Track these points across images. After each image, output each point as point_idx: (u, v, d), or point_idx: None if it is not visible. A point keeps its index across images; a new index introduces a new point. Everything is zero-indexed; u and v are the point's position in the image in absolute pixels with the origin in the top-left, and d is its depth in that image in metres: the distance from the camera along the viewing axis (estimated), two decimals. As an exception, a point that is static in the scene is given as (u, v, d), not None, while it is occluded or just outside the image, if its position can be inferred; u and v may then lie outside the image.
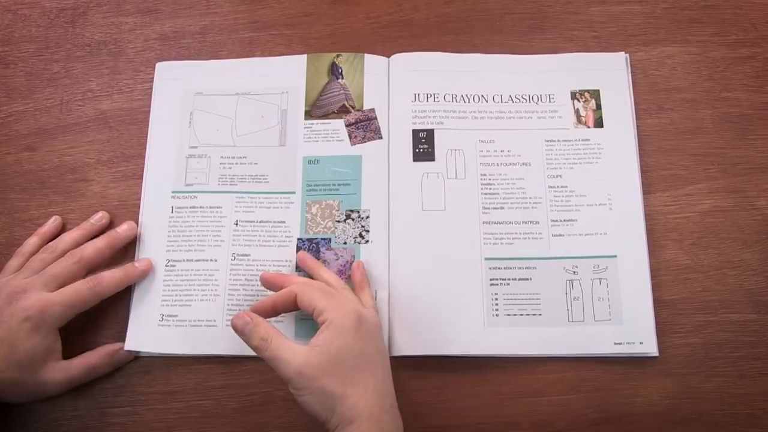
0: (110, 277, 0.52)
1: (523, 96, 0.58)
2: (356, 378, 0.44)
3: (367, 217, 0.55)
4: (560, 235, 0.54)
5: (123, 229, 0.55)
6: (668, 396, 0.51)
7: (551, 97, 0.58)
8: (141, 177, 0.58)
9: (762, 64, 0.59)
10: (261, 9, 0.63)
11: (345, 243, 0.55)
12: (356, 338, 0.45)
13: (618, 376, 0.52)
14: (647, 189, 0.56)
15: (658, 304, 0.53)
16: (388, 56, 0.60)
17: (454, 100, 0.58)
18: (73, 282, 0.51)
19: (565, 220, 0.55)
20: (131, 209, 0.57)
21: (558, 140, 0.57)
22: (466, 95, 0.58)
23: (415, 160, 0.56)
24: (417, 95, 0.58)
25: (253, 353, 0.51)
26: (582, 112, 0.57)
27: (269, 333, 0.45)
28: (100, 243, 0.53)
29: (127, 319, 0.54)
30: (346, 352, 0.44)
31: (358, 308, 0.47)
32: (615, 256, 0.54)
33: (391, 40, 0.61)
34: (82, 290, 0.50)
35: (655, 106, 0.58)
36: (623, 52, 0.59)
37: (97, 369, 0.52)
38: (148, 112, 0.60)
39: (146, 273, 0.54)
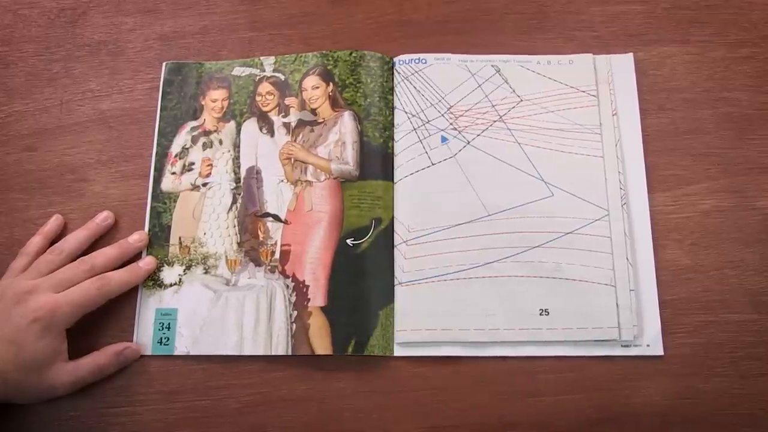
0: (118, 278, 0.52)
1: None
2: None
3: None
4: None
5: (134, 239, 0.55)
6: (668, 396, 0.51)
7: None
8: (141, 177, 0.58)
9: (762, 64, 0.59)
10: (261, 9, 0.63)
11: None
12: None
13: (618, 376, 0.52)
14: (647, 189, 0.56)
15: (659, 304, 0.53)
16: (390, 56, 0.60)
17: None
18: None
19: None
20: (131, 209, 0.57)
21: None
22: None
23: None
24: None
25: (254, 354, 0.52)
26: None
27: None
28: (111, 253, 0.54)
29: (133, 318, 0.54)
30: None
31: None
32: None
33: (391, 41, 0.61)
34: (90, 291, 0.50)
35: (655, 106, 0.58)
36: (631, 53, 0.60)
37: (104, 369, 0.51)
38: (149, 111, 0.60)
39: (151, 272, 0.55)
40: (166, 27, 0.63)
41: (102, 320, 0.53)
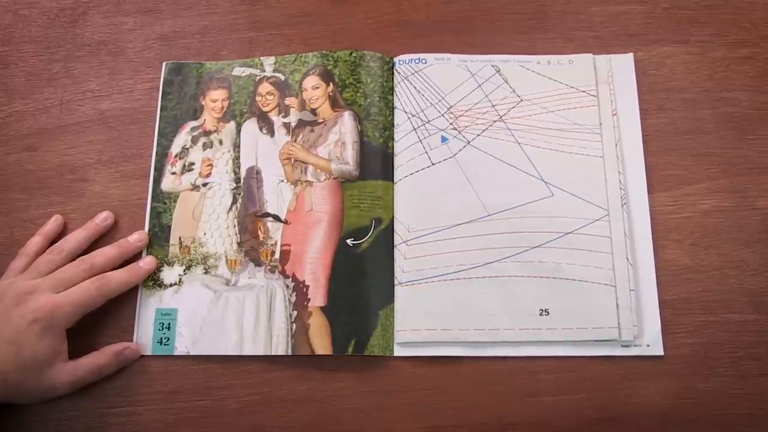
0: (118, 278, 0.52)
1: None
2: None
3: None
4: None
5: (134, 239, 0.55)
6: (668, 396, 0.51)
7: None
8: (141, 177, 0.58)
9: (762, 64, 0.59)
10: (261, 9, 0.63)
11: None
12: None
13: (618, 376, 0.52)
14: (647, 189, 0.56)
15: (659, 304, 0.53)
16: (390, 56, 0.60)
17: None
18: None
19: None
20: (131, 209, 0.57)
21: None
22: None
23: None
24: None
25: (254, 354, 0.52)
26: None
27: None
28: (111, 252, 0.54)
29: (133, 318, 0.54)
30: None
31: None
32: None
33: (391, 40, 0.61)
34: (89, 291, 0.50)
35: (655, 106, 0.58)
36: (631, 53, 0.60)
37: (104, 369, 0.51)
38: (149, 111, 0.60)
39: (151, 272, 0.55)
40: (166, 27, 0.63)
41: (102, 320, 0.53)
